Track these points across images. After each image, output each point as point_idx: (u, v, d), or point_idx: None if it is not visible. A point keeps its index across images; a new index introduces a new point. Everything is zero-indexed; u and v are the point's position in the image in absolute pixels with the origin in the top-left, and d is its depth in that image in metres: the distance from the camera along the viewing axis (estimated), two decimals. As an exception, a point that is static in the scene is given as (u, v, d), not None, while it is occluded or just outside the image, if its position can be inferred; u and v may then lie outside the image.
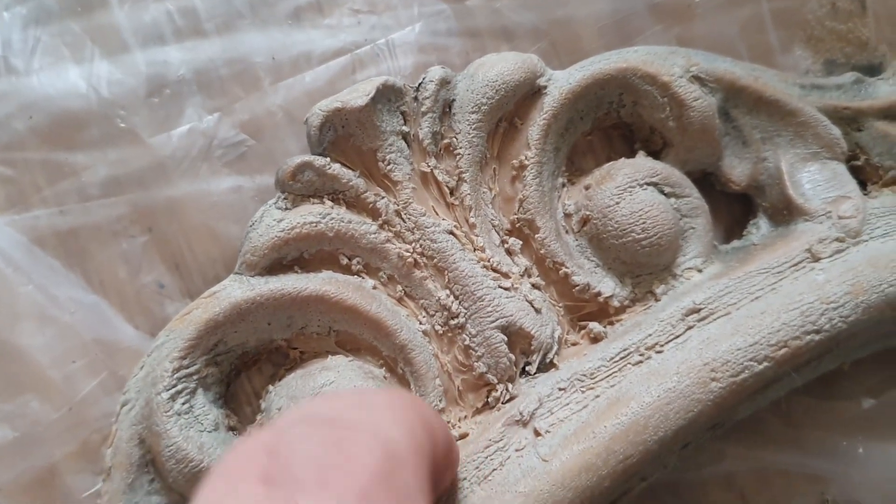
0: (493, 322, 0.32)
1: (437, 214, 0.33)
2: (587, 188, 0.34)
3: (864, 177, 0.37)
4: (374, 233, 0.32)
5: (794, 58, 0.38)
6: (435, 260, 0.32)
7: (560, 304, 0.34)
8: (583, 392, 0.31)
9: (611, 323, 0.33)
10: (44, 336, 0.33)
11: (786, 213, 0.35)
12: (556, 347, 0.32)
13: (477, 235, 0.33)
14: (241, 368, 0.32)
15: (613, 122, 0.36)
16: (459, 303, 0.32)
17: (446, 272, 0.32)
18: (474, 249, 0.33)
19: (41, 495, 0.32)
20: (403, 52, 0.36)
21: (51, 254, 0.34)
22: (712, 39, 0.37)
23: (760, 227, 0.36)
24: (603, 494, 0.29)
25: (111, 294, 0.34)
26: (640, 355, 0.31)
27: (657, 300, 0.33)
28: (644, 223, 0.32)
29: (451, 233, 0.32)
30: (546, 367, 0.32)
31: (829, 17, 0.39)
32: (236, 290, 0.30)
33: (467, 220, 0.33)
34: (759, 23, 0.38)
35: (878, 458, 0.38)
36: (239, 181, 0.34)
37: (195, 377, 0.30)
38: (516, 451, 0.30)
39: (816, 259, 0.33)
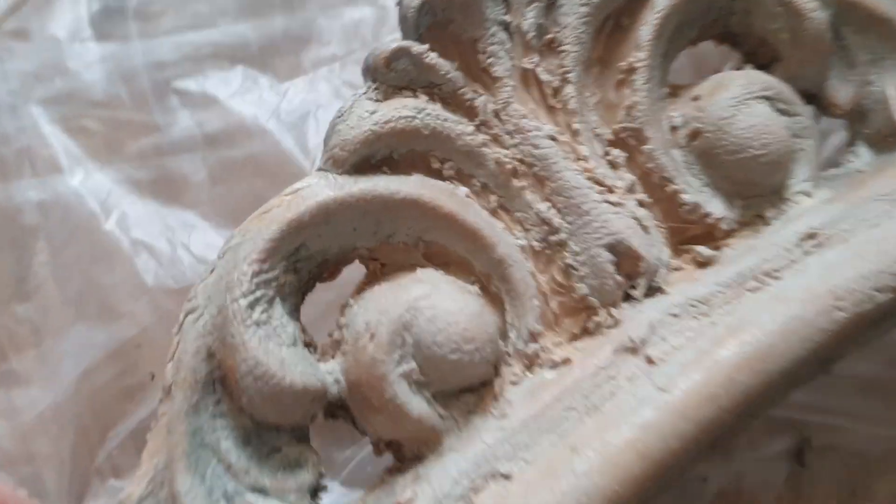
0: (599, 239, 0.29)
1: (539, 118, 0.29)
2: (696, 99, 0.31)
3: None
4: (471, 134, 0.28)
5: None
6: (535, 168, 0.29)
7: (664, 225, 0.31)
8: (697, 319, 0.28)
9: (718, 247, 0.31)
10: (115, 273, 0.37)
11: (891, 139, 0.33)
12: (663, 271, 0.30)
13: (580, 143, 0.29)
14: (317, 279, 0.29)
15: (719, 32, 0.33)
16: (562, 217, 0.29)
17: (548, 182, 0.29)
18: (578, 159, 0.29)
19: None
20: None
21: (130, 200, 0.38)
22: None
23: (861, 155, 0.34)
24: (723, 429, 0.27)
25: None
26: (757, 281, 0.29)
27: (768, 224, 0.31)
28: (763, 138, 0.30)
29: (554, 139, 0.29)
30: (652, 292, 0.30)
31: None
32: (323, 188, 0.27)
33: (570, 127, 0.29)
34: None
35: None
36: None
37: (274, 284, 0.26)
38: (628, 379, 0.27)
39: (931, 187, 0.31)
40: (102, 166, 0.39)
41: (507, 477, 0.26)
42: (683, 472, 0.28)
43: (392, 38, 0.28)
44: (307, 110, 0.39)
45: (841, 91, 0.34)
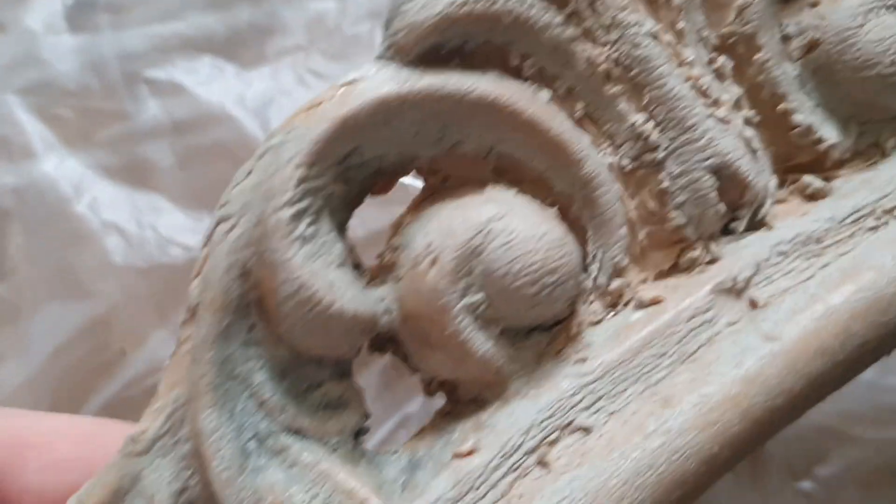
0: (704, 160, 0.24)
1: (639, 13, 0.24)
2: (814, 5, 0.26)
3: None
4: (560, 25, 0.24)
5: None
6: (634, 71, 0.24)
7: (770, 149, 0.26)
8: (808, 259, 0.24)
9: (828, 179, 0.26)
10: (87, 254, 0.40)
11: None
12: (770, 202, 0.25)
13: (686, 46, 0.25)
14: (369, 191, 0.24)
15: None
16: (661, 131, 0.24)
17: (647, 90, 0.24)
18: (681, 64, 0.25)
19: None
20: None
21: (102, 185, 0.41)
22: None
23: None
24: (831, 386, 0.24)
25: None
26: (877, 219, 0.25)
27: (885, 155, 0.27)
28: (894, 54, 0.25)
29: (656, 38, 0.24)
30: (755, 225, 0.26)
31: None
32: (384, 80, 0.22)
33: (674, 26, 0.25)
34: None
35: None
36: None
37: (322, 193, 0.22)
38: (729, 325, 0.24)
39: None
40: (75, 152, 0.41)
41: (587, 430, 0.22)
42: (774, 434, 0.25)
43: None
44: (271, 97, 0.42)
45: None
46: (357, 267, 0.24)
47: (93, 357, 0.39)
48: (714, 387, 0.22)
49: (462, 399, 0.24)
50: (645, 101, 0.24)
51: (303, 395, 0.23)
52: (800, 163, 0.27)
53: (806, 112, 0.26)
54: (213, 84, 0.41)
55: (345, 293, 0.22)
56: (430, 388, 0.25)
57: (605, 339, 0.24)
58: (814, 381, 0.23)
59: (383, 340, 0.24)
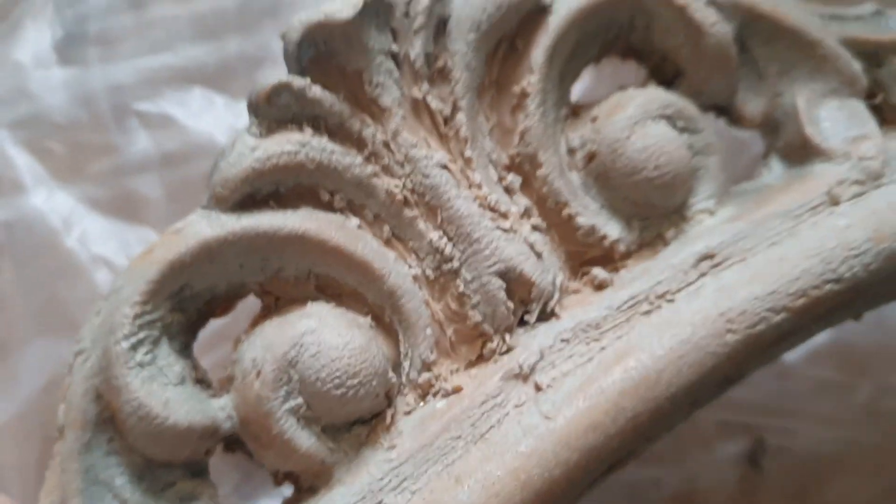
0: (490, 266, 0.29)
1: (430, 146, 0.29)
2: (594, 120, 0.31)
3: (881, 116, 0.34)
4: (360, 165, 0.28)
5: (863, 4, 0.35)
6: (427, 197, 0.29)
7: (561, 249, 0.31)
8: (588, 344, 0.28)
9: (616, 269, 0.31)
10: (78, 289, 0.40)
11: (802, 152, 0.33)
12: (557, 295, 0.30)
13: (473, 171, 0.29)
14: (209, 316, 0.29)
15: (622, 49, 0.33)
16: (454, 245, 0.29)
17: (439, 211, 0.29)
18: (470, 186, 0.29)
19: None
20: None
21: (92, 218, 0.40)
22: None
23: (773, 169, 0.33)
24: (611, 455, 0.27)
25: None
26: (650, 304, 0.29)
27: (666, 245, 0.31)
28: (658, 160, 0.30)
29: (446, 167, 0.29)
30: (546, 316, 0.30)
31: None
32: (204, 226, 0.27)
33: (462, 154, 0.29)
34: None
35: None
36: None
37: (158, 324, 0.27)
38: (516, 407, 0.27)
39: (836, 202, 0.31)
40: (64, 186, 0.41)
41: (391, 509, 0.26)
42: (577, 497, 0.28)
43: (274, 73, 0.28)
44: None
45: (751, 103, 0.33)
46: (201, 382, 0.28)
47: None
48: (497, 463, 0.26)
49: (303, 487, 0.28)
50: (439, 221, 0.29)
51: (160, 493, 0.27)
52: (593, 257, 0.31)
53: (589, 214, 0.30)
54: (204, 116, 0.41)
55: (180, 408, 0.26)
56: (277, 480, 0.29)
57: (413, 427, 0.28)
58: (588, 453, 0.27)
59: (232, 441, 0.28)
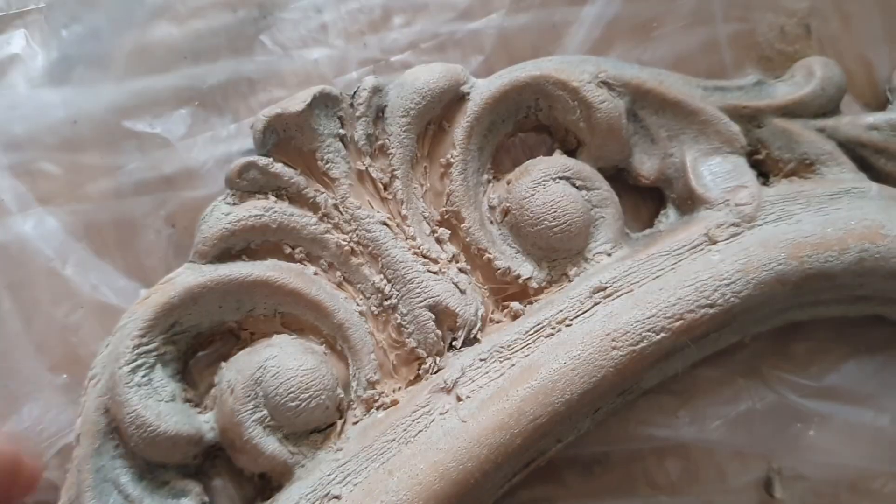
0: (421, 302, 0.35)
1: (372, 207, 0.36)
2: (508, 183, 0.38)
3: (766, 169, 0.41)
4: (314, 224, 0.36)
5: (746, 76, 0.41)
6: (369, 248, 0.36)
7: (485, 287, 0.37)
8: (501, 362, 0.35)
9: (530, 303, 0.37)
10: (76, 315, 0.38)
11: (690, 202, 0.39)
12: (479, 324, 0.36)
13: (409, 226, 0.36)
14: (197, 348, 0.36)
15: (533, 125, 0.40)
16: (392, 286, 0.36)
17: (380, 258, 0.36)
18: (406, 238, 0.36)
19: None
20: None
21: (87, 243, 0.39)
22: (671, 59, 0.42)
23: (669, 217, 0.40)
24: (517, 451, 0.33)
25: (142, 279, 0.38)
26: (552, 329, 0.35)
27: (570, 281, 0.37)
28: (555, 212, 0.36)
29: (385, 223, 0.36)
30: (471, 342, 0.36)
31: (778, 40, 0.43)
32: (189, 276, 0.34)
33: (399, 213, 0.37)
34: (714, 45, 0.42)
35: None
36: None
37: (154, 354, 0.34)
38: (440, 414, 0.34)
39: (713, 242, 0.37)
40: (59, 207, 0.40)
41: (337, 497, 0.33)
42: (495, 488, 0.34)
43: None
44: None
45: (646, 164, 0.40)
46: (190, 401, 0.35)
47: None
48: (421, 459, 0.32)
49: (273, 486, 0.35)
50: (379, 266, 0.36)
51: (157, 490, 0.34)
52: (512, 293, 0.37)
53: (505, 258, 0.37)
54: (199, 137, 0.40)
55: (170, 419, 0.33)
56: (252, 481, 0.36)
57: (358, 434, 0.34)
58: (496, 448, 0.33)
59: (214, 449, 0.35)
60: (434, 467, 0.32)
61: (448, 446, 0.33)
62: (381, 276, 0.36)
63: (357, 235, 0.36)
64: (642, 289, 0.36)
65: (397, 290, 0.36)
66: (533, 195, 0.37)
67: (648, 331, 0.34)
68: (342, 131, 0.36)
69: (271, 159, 0.35)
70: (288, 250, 0.36)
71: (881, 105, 0.42)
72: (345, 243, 0.36)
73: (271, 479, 0.35)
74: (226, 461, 0.36)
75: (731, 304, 0.35)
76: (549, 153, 0.39)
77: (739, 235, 0.37)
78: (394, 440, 0.33)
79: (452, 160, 0.37)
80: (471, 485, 0.33)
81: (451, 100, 0.37)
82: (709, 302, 0.35)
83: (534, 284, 0.37)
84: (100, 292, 0.38)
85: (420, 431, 0.34)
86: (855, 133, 0.40)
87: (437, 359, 0.36)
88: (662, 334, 0.34)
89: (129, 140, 0.39)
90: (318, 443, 0.35)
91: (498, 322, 0.37)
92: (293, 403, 0.33)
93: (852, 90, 0.42)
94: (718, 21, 0.42)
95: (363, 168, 0.36)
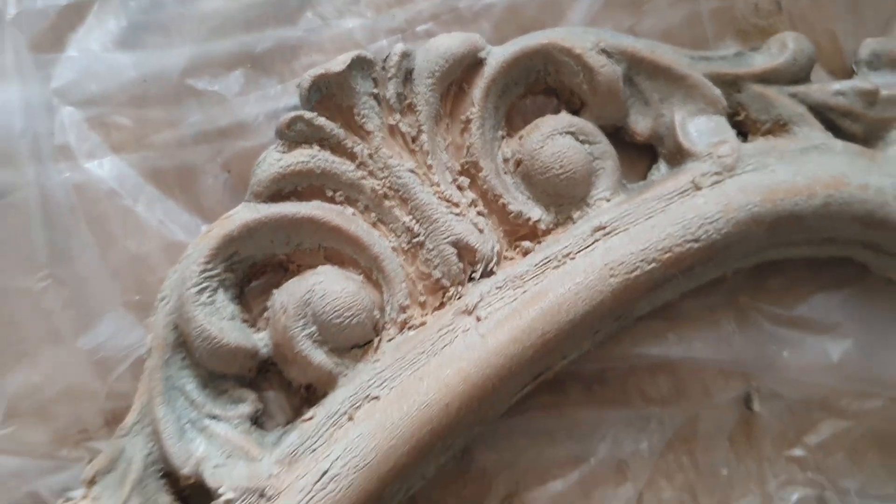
0: (445, 238, 0.41)
1: (402, 158, 0.42)
2: (521, 137, 0.44)
3: (746, 129, 0.46)
4: (352, 171, 0.41)
5: (726, 47, 0.47)
6: (400, 192, 0.41)
7: (500, 229, 0.43)
8: (514, 289, 0.40)
9: (539, 242, 0.43)
10: (146, 246, 0.43)
11: (678, 156, 0.44)
12: (495, 259, 0.42)
13: (433, 174, 0.42)
14: (252, 277, 0.42)
15: (542, 87, 0.45)
16: (420, 225, 0.41)
17: (409, 202, 0.41)
18: (431, 185, 0.42)
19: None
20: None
21: (154, 185, 0.44)
22: (659, 31, 0.47)
23: (661, 169, 0.45)
24: (528, 361, 0.39)
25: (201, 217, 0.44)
26: (558, 261, 0.41)
27: (574, 223, 0.43)
28: (562, 162, 0.42)
29: (413, 171, 0.42)
30: (488, 274, 0.42)
31: (753, 15, 0.48)
32: (246, 213, 0.40)
33: (426, 163, 0.42)
34: (697, 19, 0.48)
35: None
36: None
37: (216, 278, 0.39)
38: (463, 331, 0.39)
39: (698, 188, 0.42)
40: (128, 155, 0.45)
41: (376, 398, 0.38)
42: (510, 393, 0.40)
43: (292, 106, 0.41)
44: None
45: (640, 123, 0.45)
46: (246, 321, 0.41)
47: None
48: (447, 367, 0.38)
49: (318, 396, 0.40)
50: (409, 209, 0.41)
51: (217, 396, 0.39)
52: (523, 234, 0.43)
53: (518, 203, 0.43)
54: (250, 95, 0.44)
55: (231, 334, 0.39)
56: (299, 392, 0.41)
57: (392, 349, 0.40)
58: (511, 359, 0.38)
59: (267, 363, 0.41)
60: (458, 373, 0.38)
61: (470, 356, 0.38)
62: (411, 216, 0.41)
63: (389, 181, 0.41)
64: (637, 227, 0.41)
65: (424, 229, 0.41)
66: (542, 147, 0.42)
67: (641, 261, 0.40)
68: (376, 90, 0.42)
69: (315, 113, 0.41)
70: (330, 193, 0.41)
71: (846, 74, 0.48)
72: (378, 188, 0.41)
73: (317, 390, 0.40)
74: (277, 375, 0.41)
75: (713, 240, 0.41)
76: (556, 113, 0.45)
77: (721, 183, 0.43)
78: (423, 352, 0.39)
79: (472, 116, 0.42)
80: (489, 389, 0.38)
81: (469, 64, 0.43)
82: (694, 237, 0.41)
83: (542, 226, 0.43)
84: (166, 227, 0.43)
85: (446, 346, 0.39)
86: (823, 98, 0.46)
87: (459, 288, 0.41)
88: (653, 264, 0.40)
89: (190, 97, 0.45)
90: (358, 356, 0.40)
91: (511, 259, 0.43)
92: (338, 320, 0.39)
93: (820, 60, 0.47)
94: (701, -2, 0.48)
95: (394, 123, 0.42)
